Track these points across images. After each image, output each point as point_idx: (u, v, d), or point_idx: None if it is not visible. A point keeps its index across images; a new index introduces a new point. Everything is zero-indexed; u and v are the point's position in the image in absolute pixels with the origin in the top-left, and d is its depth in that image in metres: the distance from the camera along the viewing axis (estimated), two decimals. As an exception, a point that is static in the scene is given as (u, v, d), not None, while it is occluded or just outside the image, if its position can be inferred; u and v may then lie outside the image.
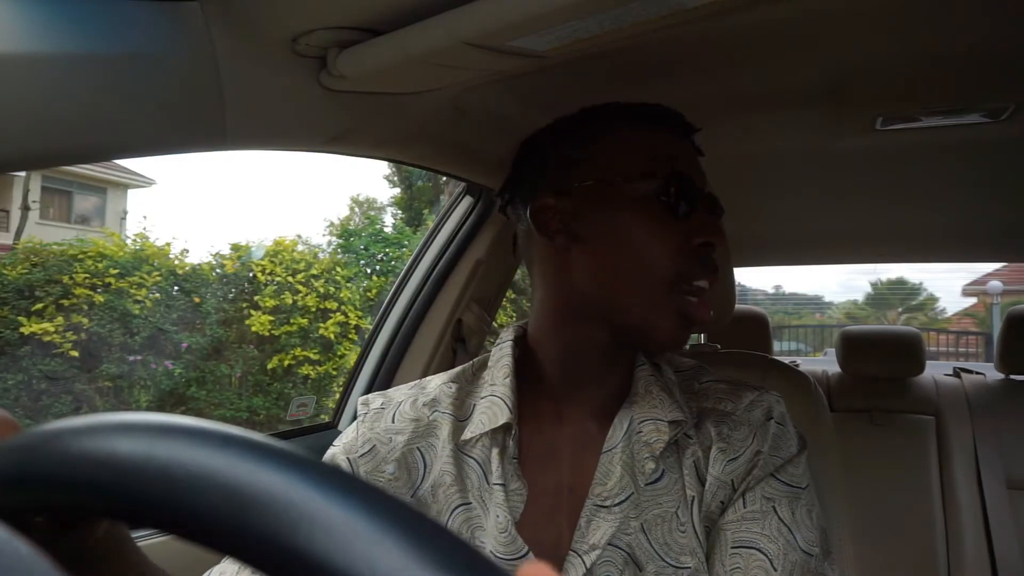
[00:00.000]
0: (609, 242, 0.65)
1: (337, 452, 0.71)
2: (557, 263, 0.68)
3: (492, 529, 0.64)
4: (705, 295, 0.65)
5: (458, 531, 0.65)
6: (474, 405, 0.70)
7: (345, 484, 0.21)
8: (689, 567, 0.62)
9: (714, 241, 0.64)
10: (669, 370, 0.71)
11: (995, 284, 15.42)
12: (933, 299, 24.12)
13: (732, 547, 0.61)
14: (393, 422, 0.70)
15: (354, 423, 0.72)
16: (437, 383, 0.74)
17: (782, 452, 0.64)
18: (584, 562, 0.61)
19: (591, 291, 0.66)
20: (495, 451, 0.66)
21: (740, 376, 0.73)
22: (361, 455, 0.69)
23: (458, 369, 0.75)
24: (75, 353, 4.39)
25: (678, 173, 0.65)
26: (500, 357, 0.71)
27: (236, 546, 0.20)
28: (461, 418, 0.69)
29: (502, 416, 0.65)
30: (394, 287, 1.42)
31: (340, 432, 1.33)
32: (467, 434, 0.67)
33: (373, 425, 0.71)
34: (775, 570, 0.59)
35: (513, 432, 0.66)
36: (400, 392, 0.74)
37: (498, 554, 0.63)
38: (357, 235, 7.30)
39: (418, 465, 0.68)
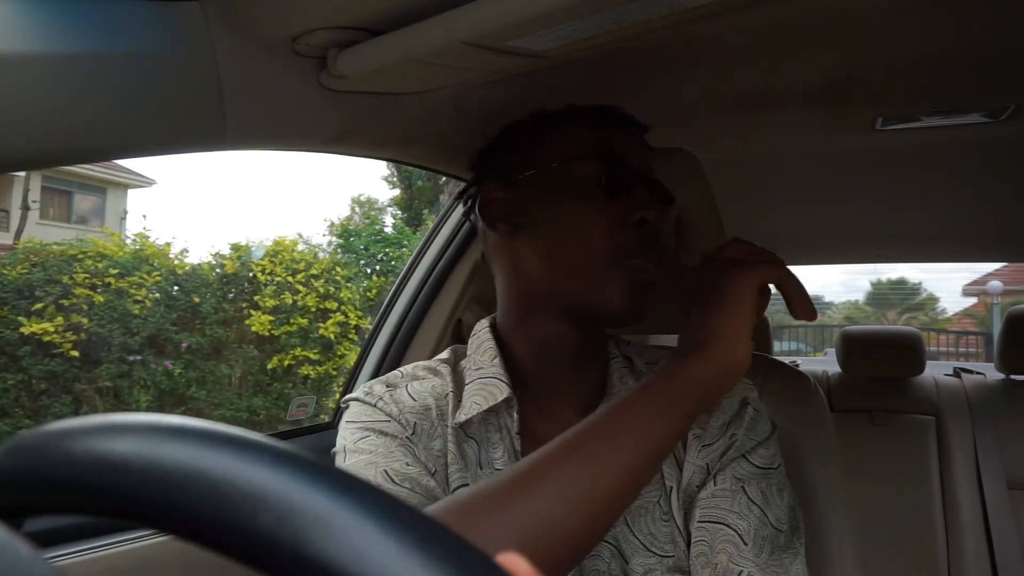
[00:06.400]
0: (549, 227, 0.67)
1: (395, 430, 0.65)
2: (506, 252, 0.71)
3: None
4: (654, 267, 0.66)
5: None
6: (463, 388, 0.70)
7: (394, 509, 0.21)
8: (672, 556, 0.63)
9: (648, 217, 0.65)
10: (640, 363, 0.73)
11: (995, 284, 15.42)
12: (933, 299, 24.14)
13: (699, 522, 0.62)
14: (414, 400, 0.68)
15: (365, 410, 0.67)
16: (424, 365, 0.73)
17: (755, 435, 0.65)
18: None
19: (538, 277, 0.68)
20: (495, 436, 0.67)
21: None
22: (409, 436, 0.65)
23: (441, 355, 0.76)
24: (75, 353, 4.39)
25: (610, 153, 0.67)
26: (480, 343, 0.72)
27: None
28: (459, 396, 0.70)
29: (500, 393, 0.66)
30: (394, 287, 1.42)
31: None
32: (461, 416, 0.66)
33: (399, 406, 0.67)
34: (745, 544, 0.60)
35: (516, 407, 0.67)
36: (391, 376, 0.72)
37: None
38: (357, 235, 7.30)
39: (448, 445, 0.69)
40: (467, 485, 0.66)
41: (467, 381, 0.70)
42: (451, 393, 0.69)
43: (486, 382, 0.68)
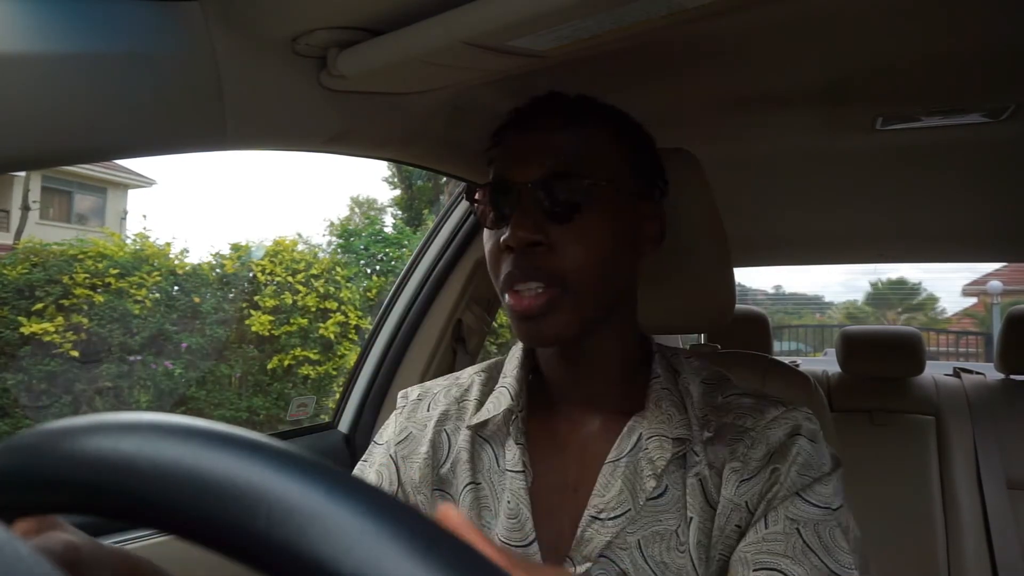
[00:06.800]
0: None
1: (380, 451, 0.76)
2: None
3: (502, 514, 0.65)
4: (526, 292, 0.62)
5: (468, 509, 0.69)
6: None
7: (388, 506, 0.21)
8: None
9: (508, 243, 0.61)
10: (693, 380, 0.68)
11: (995, 284, 15.42)
12: (933, 299, 24.15)
13: (754, 569, 0.56)
14: (428, 411, 0.75)
15: (393, 415, 0.78)
16: (470, 372, 0.78)
17: (811, 471, 0.59)
18: (577, 571, 0.61)
19: None
20: (510, 438, 0.68)
21: (739, 376, 0.73)
22: (398, 443, 0.74)
23: (492, 361, 0.79)
24: (75, 353, 4.39)
25: (487, 185, 0.67)
26: (514, 353, 0.75)
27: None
28: (483, 402, 0.73)
29: (503, 403, 0.69)
30: (394, 287, 1.42)
31: (340, 432, 1.34)
32: (475, 420, 0.70)
33: (410, 415, 0.76)
34: None
35: (514, 417, 0.68)
36: (438, 384, 0.79)
37: (504, 539, 0.64)
38: (357, 235, 7.30)
39: (443, 445, 0.72)
40: (477, 483, 0.68)
41: (497, 386, 0.73)
42: (475, 400, 0.73)
43: (502, 391, 0.71)
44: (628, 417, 0.66)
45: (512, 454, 0.67)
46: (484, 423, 0.70)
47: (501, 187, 0.65)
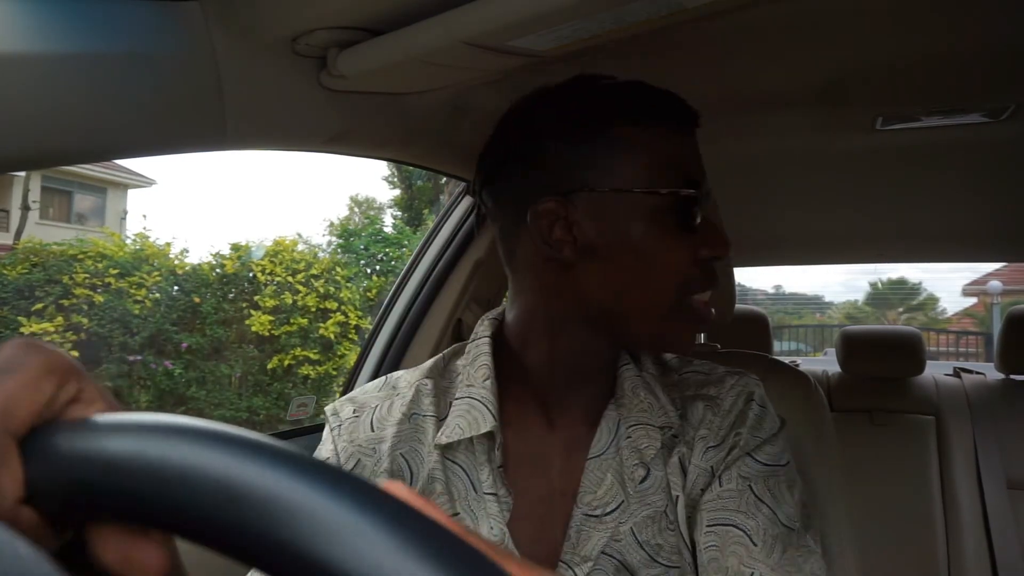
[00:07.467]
0: (621, 255, 0.60)
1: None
2: (558, 271, 0.63)
3: None
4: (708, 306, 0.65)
5: None
6: (450, 404, 0.66)
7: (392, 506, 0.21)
8: (678, 567, 0.61)
9: (720, 255, 0.63)
10: (648, 363, 0.69)
11: (995, 284, 15.43)
12: (933, 299, 24.15)
13: (708, 525, 0.60)
14: (373, 430, 0.67)
15: (327, 435, 0.69)
16: (410, 380, 0.70)
17: (761, 432, 0.63)
18: (576, 574, 0.60)
19: (599, 303, 0.62)
20: (483, 458, 0.63)
21: None
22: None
23: (429, 363, 0.71)
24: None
25: (693, 182, 0.61)
26: (476, 356, 0.67)
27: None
28: (442, 417, 0.66)
29: (484, 423, 0.62)
30: (394, 287, 1.42)
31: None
32: (444, 439, 0.63)
33: (352, 436, 0.67)
34: (755, 545, 0.58)
35: (498, 441, 0.63)
36: (370, 395, 0.70)
37: None
38: (357, 235, 7.31)
39: (403, 471, 0.65)
40: (457, 514, 0.63)
41: (458, 395, 0.65)
42: (433, 417, 0.66)
43: (473, 404, 0.64)
44: (600, 407, 0.66)
45: (488, 477, 0.62)
46: (455, 443, 0.63)
47: (702, 191, 0.62)
